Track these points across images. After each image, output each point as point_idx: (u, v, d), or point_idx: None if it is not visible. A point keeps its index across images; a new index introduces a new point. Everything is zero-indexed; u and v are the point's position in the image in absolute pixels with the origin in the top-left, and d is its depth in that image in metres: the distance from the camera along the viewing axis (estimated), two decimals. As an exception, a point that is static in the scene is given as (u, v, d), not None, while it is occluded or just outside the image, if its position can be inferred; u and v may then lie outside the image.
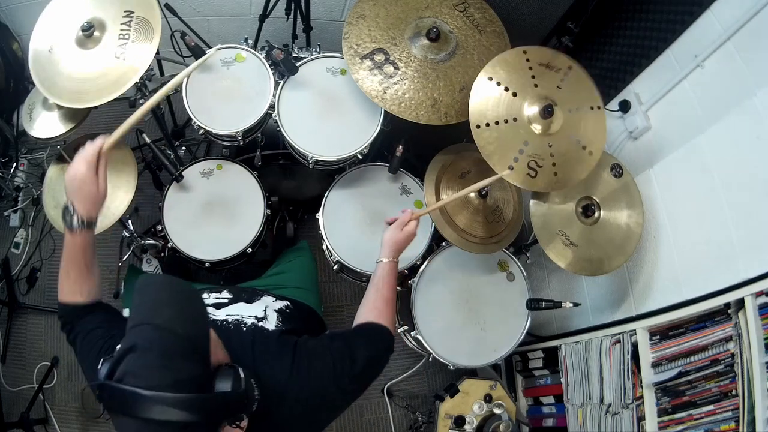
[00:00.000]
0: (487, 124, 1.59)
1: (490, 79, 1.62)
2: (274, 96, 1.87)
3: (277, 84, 1.88)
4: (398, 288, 2.17)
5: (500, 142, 1.59)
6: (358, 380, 1.11)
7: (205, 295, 1.35)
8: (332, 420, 1.12)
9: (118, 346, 0.85)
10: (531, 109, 1.61)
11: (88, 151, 1.01)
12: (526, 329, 1.95)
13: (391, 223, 1.44)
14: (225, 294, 1.36)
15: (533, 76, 1.64)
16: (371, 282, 1.34)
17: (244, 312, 1.24)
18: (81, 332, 1.12)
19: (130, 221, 2.25)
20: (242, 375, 0.89)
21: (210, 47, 1.92)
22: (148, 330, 0.82)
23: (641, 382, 1.71)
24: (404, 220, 1.43)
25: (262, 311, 1.28)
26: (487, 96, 1.61)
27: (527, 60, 1.66)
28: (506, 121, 1.60)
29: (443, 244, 1.98)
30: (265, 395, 0.96)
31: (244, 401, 0.90)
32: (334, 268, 2.02)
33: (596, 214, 1.77)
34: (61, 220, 1.10)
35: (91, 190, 1.01)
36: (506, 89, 1.61)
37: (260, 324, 1.22)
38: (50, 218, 1.84)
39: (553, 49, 1.73)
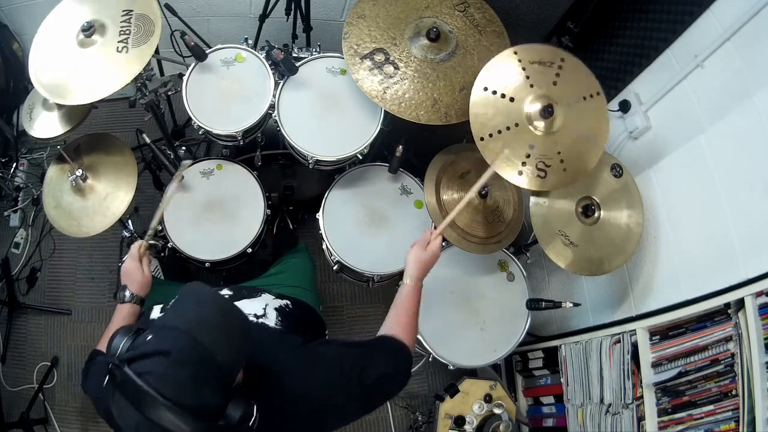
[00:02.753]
0: (491, 135, 1.58)
1: (485, 89, 1.61)
2: (274, 96, 1.87)
3: (277, 84, 1.88)
4: (399, 287, 2.17)
5: (507, 150, 1.57)
6: (368, 390, 1.10)
7: None
8: (340, 427, 1.11)
9: (149, 337, 0.84)
10: (530, 111, 1.61)
11: (132, 251, 1.36)
12: (526, 329, 1.95)
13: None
14: (225, 291, 1.37)
15: (527, 77, 1.63)
16: (393, 304, 1.34)
17: (245, 309, 1.24)
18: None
19: (130, 221, 2.25)
20: (255, 411, 0.89)
21: (210, 47, 1.92)
22: (189, 342, 0.81)
23: (641, 382, 1.71)
24: (426, 238, 1.42)
25: (262, 309, 1.28)
26: (486, 106, 1.60)
27: (519, 61, 1.64)
28: (508, 128, 1.59)
29: (443, 244, 1.97)
30: (265, 392, 0.96)
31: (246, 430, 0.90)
32: (334, 268, 2.02)
33: (596, 214, 1.77)
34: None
35: (138, 276, 1.33)
36: (503, 96, 1.61)
37: (260, 321, 1.22)
38: (50, 218, 1.83)
39: (542, 44, 1.70)
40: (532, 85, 1.62)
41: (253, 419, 0.88)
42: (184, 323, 0.84)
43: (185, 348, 0.81)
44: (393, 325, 1.25)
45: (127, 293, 1.32)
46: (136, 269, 1.34)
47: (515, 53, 1.64)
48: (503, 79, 1.62)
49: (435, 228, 1.46)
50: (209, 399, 0.82)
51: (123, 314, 1.31)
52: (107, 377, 0.83)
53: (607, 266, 1.75)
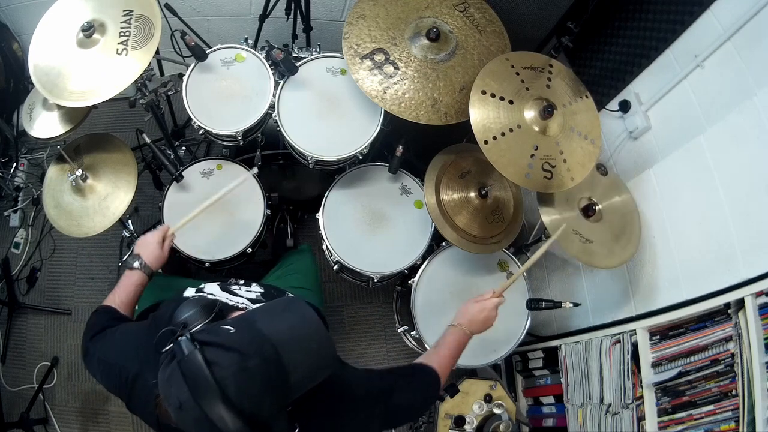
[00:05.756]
0: (494, 138, 1.59)
1: (484, 92, 1.62)
2: (274, 96, 1.87)
3: (277, 84, 1.88)
4: (399, 287, 2.17)
5: (511, 152, 1.59)
6: (391, 414, 1.13)
7: (234, 287, 1.36)
8: None
9: (232, 330, 0.83)
10: (530, 113, 1.62)
11: (162, 227, 1.45)
12: (526, 329, 1.95)
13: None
14: (255, 288, 1.38)
15: (522, 81, 1.65)
16: (435, 341, 1.40)
17: None
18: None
19: (130, 221, 2.25)
20: None
21: (210, 47, 1.92)
22: (271, 356, 0.80)
23: (641, 382, 1.71)
24: (484, 296, 1.46)
25: None
26: (486, 109, 1.61)
27: (512, 66, 1.67)
28: (511, 130, 1.60)
29: (443, 244, 1.98)
30: (308, 412, 0.97)
31: None
32: (334, 268, 2.02)
33: (596, 209, 1.78)
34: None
35: (155, 250, 1.38)
36: (501, 99, 1.61)
37: None
38: (50, 218, 1.83)
39: (529, 52, 1.75)
40: (528, 88, 1.64)
41: None
42: (275, 334, 0.83)
43: (265, 360, 0.80)
44: (431, 356, 1.30)
45: (138, 261, 1.34)
46: (156, 243, 1.38)
47: (507, 59, 1.67)
48: (500, 83, 1.63)
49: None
50: (266, 411, 0.81)
51: (132, 281, 1.32)
52: (169, 345, 0.82)
53: (624, 253, 1.76)
